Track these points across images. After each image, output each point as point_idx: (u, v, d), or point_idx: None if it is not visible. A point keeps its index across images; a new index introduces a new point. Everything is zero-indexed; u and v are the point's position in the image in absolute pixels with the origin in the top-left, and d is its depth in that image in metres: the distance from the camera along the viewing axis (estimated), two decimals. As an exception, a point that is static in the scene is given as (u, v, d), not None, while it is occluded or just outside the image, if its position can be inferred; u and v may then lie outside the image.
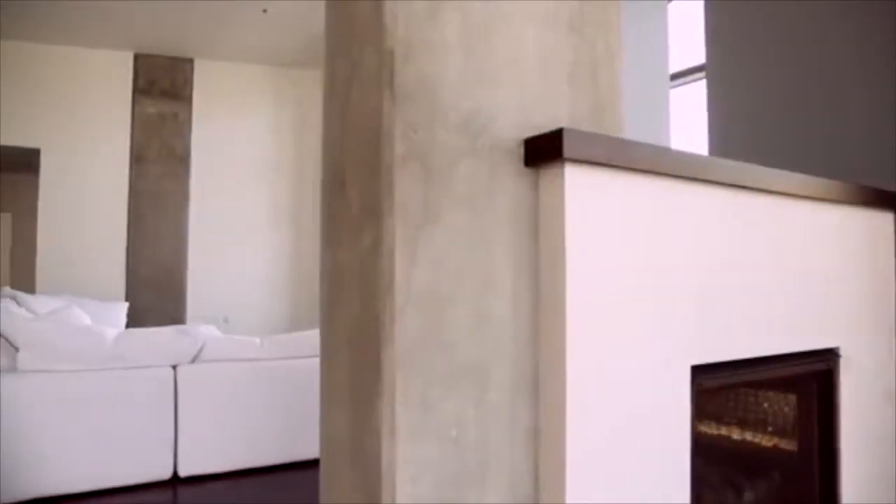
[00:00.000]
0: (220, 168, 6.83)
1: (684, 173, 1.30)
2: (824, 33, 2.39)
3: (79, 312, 3.33)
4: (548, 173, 1.15)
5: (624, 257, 1.20)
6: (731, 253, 1.43)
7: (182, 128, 6.73)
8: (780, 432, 1.81)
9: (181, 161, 6.70)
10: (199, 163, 6.75)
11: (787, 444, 1.79)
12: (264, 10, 5.53)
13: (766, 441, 1.83)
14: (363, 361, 1.08)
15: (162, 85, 6.66)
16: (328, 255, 1.21)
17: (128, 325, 5.51)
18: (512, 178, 1.15)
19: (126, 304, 5.88)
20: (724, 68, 2.75)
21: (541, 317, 1.16)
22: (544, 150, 1.13)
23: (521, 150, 1.16)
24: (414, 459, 1.02)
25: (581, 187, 1.14)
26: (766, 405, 1.84)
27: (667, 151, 1.37)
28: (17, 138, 6.00)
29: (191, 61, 6.78)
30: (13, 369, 2.75)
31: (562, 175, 1.12)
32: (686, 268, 1.32)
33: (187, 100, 6.76)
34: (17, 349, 2.77)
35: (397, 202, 1.02)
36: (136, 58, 6.55)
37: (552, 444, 1.13)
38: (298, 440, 3.17)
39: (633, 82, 1.42)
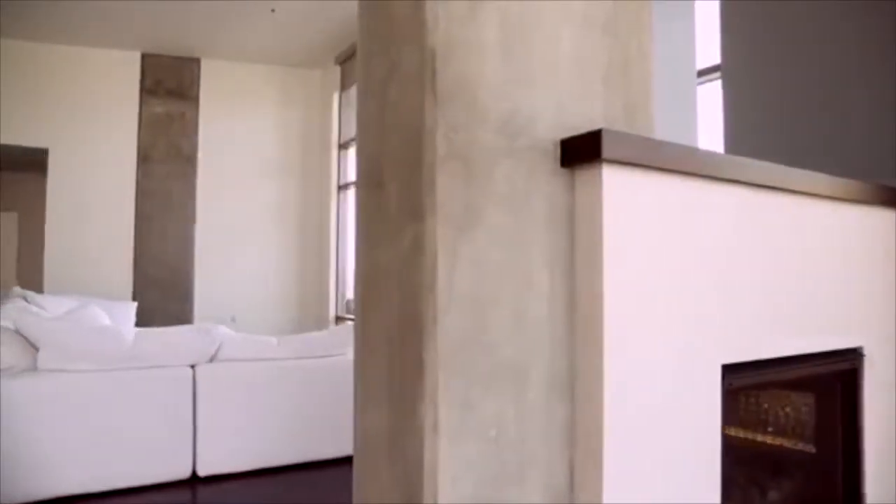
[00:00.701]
0: (227, 168, 6.83)
1: (713, 173, 1.31)
2: (826, 33, 2.40)
3: (97, 312, 3.33)
4: (584, 173, 1.16)
5: (656, 256, 1.21)
6: (756, 252, 1.43)
7: (188, 127, 6.74)
8: (801, 433, 1.82)
9: (188, 161, 6.70)
10: (206, 162, 6.75)
11: (809, 445, 1.80)
12: (272, 10, 5.53)
13: (787, 442, 1.83)
14: (403, 361, 1.08)
15: (169, 85, 6.67)
16: (365, 254, 1.22)
17: (136, 325, 5.52)
18: (547, 178, 1.15)
19: (135, 304, 5.89)
20: (734, 67, 2.76)
21: (577, 316, 1.16)
22: (582, 151, 1.14)
23: (557, 151, 1.16)
24: (455, 459, 1.03)
25: (617, 187, 1.14)
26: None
27: (696, 151, 1.38)
28: (25, 138, 6.02)
29: (197, 61, 6.78)
30: (33, 369, 2.76)
31: (599, 175, 1.12)
32: (714, 267, 1.33)
33: (194, 99, 6.76)
34: (36, 349, 2.78)
35: (439, 203, 1.02)
36: (143, 57, 6.56)
37: (589, 443, 1.13)
38: (316, 440, 3.18)
39: (660, 81, 1.43)
